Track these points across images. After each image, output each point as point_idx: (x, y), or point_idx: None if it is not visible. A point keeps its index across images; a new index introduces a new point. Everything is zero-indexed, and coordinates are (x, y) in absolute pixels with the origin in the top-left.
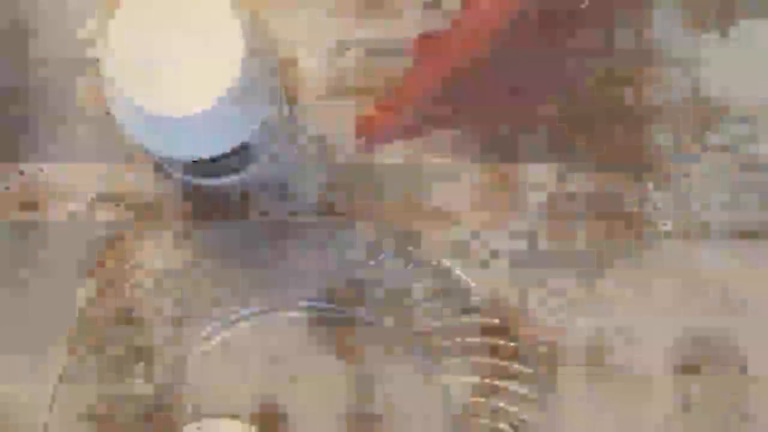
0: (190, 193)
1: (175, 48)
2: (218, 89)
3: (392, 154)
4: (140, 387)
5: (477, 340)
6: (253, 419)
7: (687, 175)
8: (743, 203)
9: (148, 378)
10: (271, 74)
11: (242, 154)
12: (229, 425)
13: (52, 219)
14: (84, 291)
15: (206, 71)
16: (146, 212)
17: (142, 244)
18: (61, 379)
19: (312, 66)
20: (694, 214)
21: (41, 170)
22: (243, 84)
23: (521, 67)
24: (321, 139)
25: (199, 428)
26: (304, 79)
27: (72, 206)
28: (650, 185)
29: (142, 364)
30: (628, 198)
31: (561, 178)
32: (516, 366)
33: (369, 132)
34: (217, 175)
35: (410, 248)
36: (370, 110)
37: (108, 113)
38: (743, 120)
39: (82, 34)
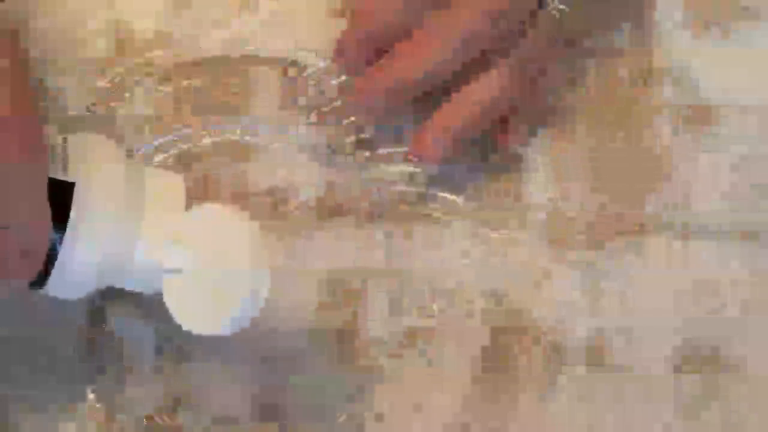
0: None
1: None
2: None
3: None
4: (140, 388)
5: (477, 339)
6: (253, 419)
7: (686, 175)
8: (743, 203)
9: (148, 379)
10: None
11: None
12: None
13: None
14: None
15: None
16: None
17: None
18: (61, 380)
19: None
20: (693, 214)
21: None
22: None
23: None
24: None
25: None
26: None
27: None
28: (650, 185)
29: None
30: (627, 198)
31: (559, 178)
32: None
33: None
34: None
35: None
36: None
37: None
38: (743, 120)
39: None
